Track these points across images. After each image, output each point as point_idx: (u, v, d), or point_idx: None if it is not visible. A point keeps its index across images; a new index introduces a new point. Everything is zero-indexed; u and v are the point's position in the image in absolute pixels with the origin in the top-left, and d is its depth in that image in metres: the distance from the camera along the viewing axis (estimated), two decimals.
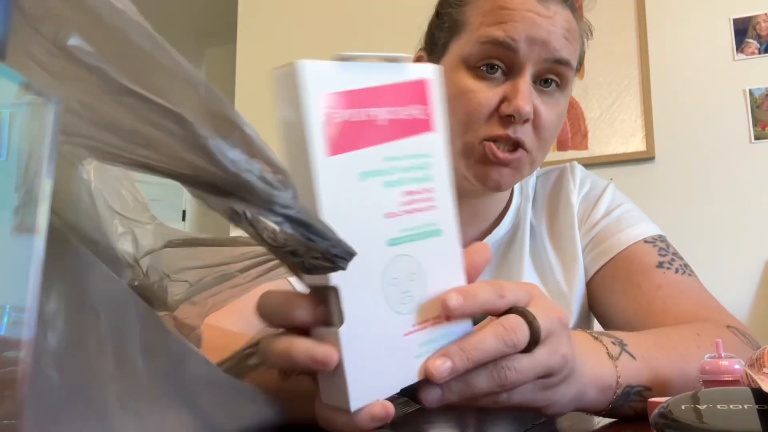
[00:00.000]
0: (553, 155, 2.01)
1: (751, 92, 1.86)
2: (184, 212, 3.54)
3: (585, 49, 0.77)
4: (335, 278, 0.31)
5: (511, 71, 0.67)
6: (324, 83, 0.33)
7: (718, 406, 0.34)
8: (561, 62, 0.68)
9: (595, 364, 0.45)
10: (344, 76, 0.34)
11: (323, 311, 0.33)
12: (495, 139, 0.67)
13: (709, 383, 0.45)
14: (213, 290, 0.42)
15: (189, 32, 3.66)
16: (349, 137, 0.33)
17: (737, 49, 1.89)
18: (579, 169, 0.83)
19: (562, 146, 2.02)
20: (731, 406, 0.34)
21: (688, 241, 1.84)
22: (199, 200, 0.27)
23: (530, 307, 0.38)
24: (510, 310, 0.38)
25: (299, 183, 0.30)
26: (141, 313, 0.30)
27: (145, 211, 0.39)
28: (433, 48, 0.74)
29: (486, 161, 0.68)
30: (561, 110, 0.71)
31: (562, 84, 0.70)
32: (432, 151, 0.36)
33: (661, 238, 0.77)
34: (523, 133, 0.67)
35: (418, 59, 0.77)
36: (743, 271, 1.79)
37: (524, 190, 0.82)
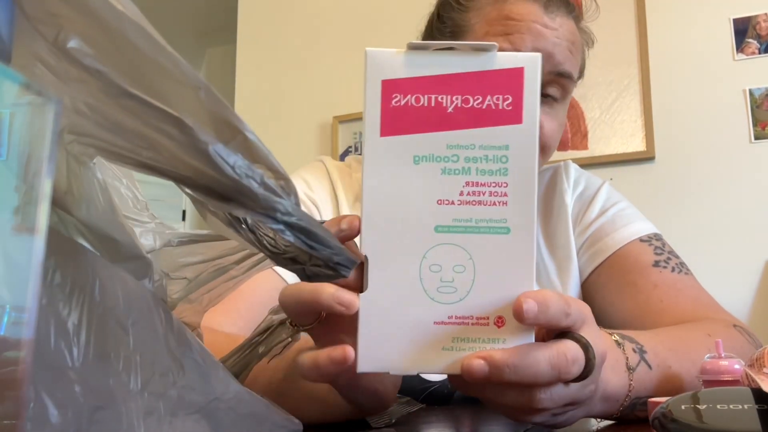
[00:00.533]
0: (553, 155, 2.01)
1: (751, 92, 1.86)
2: (184, 212, 3.54)
3: (586, 57, 0.77)
4: (368, 248, 0.33)
5: None
6: (387, 69, 0.34)
7: (718, 406, 0.34)
8: (563, 75, 0.69)
9: (611, 378, 0.43)
10: (411, 63, 0.34)
11: (357, 277, 0.34)
12: None
13: (709, 383, 0.45)
14: (209, 285, 0.42)
15: (189, 32, 3.66)
16: (406, 121, 0.34)
17: (737, 49, 1.89)
18: (573, 167, 0.83)
19: (562, 146, 2.02)
20: (731, 406, 0.34)
21: (688, 240, 1.84)
22: (198, 205, 0.26)
23: (583, 332, 0.36)
24: (567, 334, 0.36)
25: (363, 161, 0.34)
26: (166, 323, 0.30)
27: (145, 211, 0.39)
28: None
29: None
30: (561, 120, 0.72)
31: (562, 95, 0.71)
32: (513, 144, 0.35)
33: (657, 237, 0.77)
34: None
35: None
36: (743, 271, 1.79)
37: None
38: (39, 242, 0.21)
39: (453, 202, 0.34)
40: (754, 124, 1.84)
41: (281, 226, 0.26)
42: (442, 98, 0.34)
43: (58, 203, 0.27)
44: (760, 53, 1.87)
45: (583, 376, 0.36)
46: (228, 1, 2.83)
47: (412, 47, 0.35)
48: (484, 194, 0.34)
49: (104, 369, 0.26)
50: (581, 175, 0.83)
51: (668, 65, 1.95)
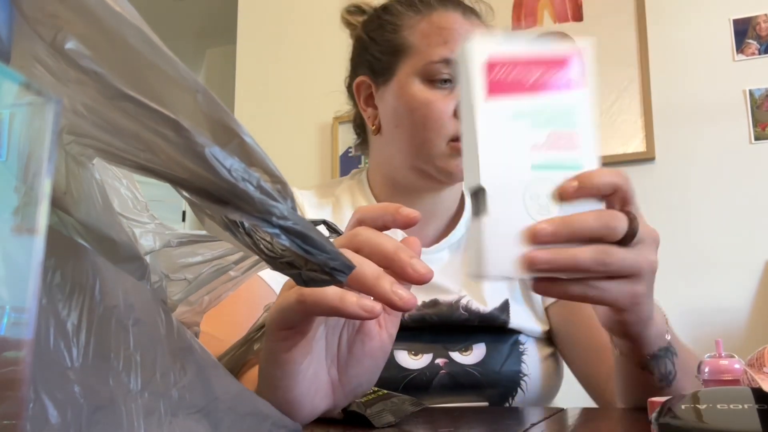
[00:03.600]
0: None
1: (751, 93, 1.86)
2: (184, 213, 3.54)
3: None
4: (485, 182, 0.42)
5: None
6: (487, 47, 0.44)
7: (718, 406, 0.34)
8: None
9: (656, 312, 0.52)
10: (507, 43, 0.44)
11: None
12: (457, 138, 0.76)
13: (709, 383, 0.45)
14: (209, 286, 0.42)
15: (189, 33, 3.66)
16: (504, 87, 0.44)
17: (737, 50, 1.89)
18: None
19: None
20: (731, 406, 0.34)
21: (689, 241, 1.84)
22: (196, 208, 0.26)
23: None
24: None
25: (464, 125, 0.44)
26: (167, 324, 0.30)
27: (145, 211, 0.39)
28: (377, 71, 0.82)
29: (451, 157, 0.77)
30: None
31: None
32: (579, 104, 0.45)
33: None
34: None
35: (359, 85, 0.85)
36: (743, 271, 1.79)
37: None
38: (39, 243, 0.21)
39: (542, 148, 0.44)
40: (754, 125, 1.84)
41: (276, 230, 0.25)
42: (530, 70, 0.44)
43: (56, 203, 0.27)
44: (760, 54, 1.87)
45: (630, 234, 0.43)
46: (228, 2, 2.83)
47: (507, 34, 0.45)
48: (561, 140, 0.44)
49: (104, 369, 0.26)
50: None
51: (668, 66, 1.95)
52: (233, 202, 0.25)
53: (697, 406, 0.35)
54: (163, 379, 0.29)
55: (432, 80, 0.77)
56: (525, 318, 0.79)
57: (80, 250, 0.27)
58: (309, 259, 0.26)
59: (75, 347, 0.25)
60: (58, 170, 0.26)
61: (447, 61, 0.76)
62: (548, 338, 0.82)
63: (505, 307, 0.78)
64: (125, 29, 0.23)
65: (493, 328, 0.77)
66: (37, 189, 0.20)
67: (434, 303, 0.77)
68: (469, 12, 0.81)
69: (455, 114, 0.75)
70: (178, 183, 0.25)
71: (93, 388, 0.25)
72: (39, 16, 0.23)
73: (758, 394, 0.35)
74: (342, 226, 0.81)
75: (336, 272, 0.27)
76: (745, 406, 0.34)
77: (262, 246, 0.26)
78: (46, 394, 0.23)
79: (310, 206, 0.84)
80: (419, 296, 0.78)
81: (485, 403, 0.75)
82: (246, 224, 0.26)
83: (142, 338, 0.28)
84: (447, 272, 0.80)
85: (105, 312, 0.27)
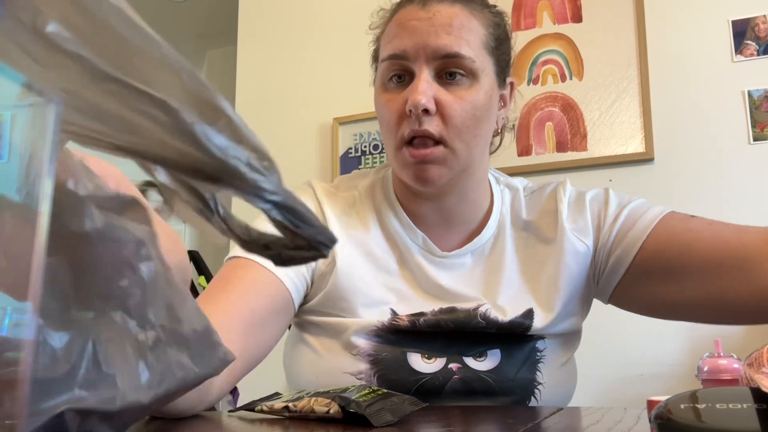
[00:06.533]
0: (552, 156, 2.02)
1: (749, 94, 1.86)
2: None
3: (502, 32, 0.80)
4: None
5: (411, 76, 0.74)
6: None
7: (717, 405, 0.34)
8: (449, 56, 0.73)
9: None
10: None
11: None
12: (410, 141, 0.73)
13: (708, 382, 0.45)
14: None
15: (190, 34, 3.66)
16: None
17: (736, 51, 1.89)
18: (567, 184, 0.85)
19: (561, 147, 2.02)
20: (730, 406, 0.34)
21: None
22: (167, 193, 0.26)
23: None
24: None
25: None
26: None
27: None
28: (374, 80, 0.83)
29: (410, 163, 0.74)
30: (474, 98, 0.74)
31: (468, 74, 0.74)
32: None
33: (674, 212, 0.77)
34: (429, 124, 0.72)
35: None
36: None
37: (507, 202, 0.84)
38: (39, 243, 0.21)
39: None
40: (753, 126, 1.85)
41: (269, 206, 0.26)
42: None
43: None
44: (758, 55, 1.87)
45: None
46: (228, 3, 2.83)
47: None
48: None
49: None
50: (575, 190, 0.84)
51: (667, 67, 1.95)
52: (224, 179, 0.25)
53: (696, 405, 0.35)
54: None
55: (385, 82, 0.77)
56: (549, 321, 0.76)
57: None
58: (298, 233, 0.27)
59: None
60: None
61: (392, 58, 0.74)
62: (571, 339, 0.80)
63: (529, 314, 0.76)
64: (107, 10, 0.23)
65: (510, 335, 0.75)
66: (38, 190, 0.21)
67: (451, 310, 0.76)
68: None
69: (408, 112, 0.72)
70: (162, 162, 0.25)
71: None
72: (18, 0, 0.22)
73: (757, 393, 0.35)
74: (359, 221, 0.81)
75: (321, 246, 0.27)
76: (744, 405, 0.34)
77: (238, 232, 0.27)
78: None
79: (330, 205, 0.82)
80: (437, 304, 0.76)
81: None
82: (221, 210, 0.26)
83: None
84: (468, 279, 0.79)
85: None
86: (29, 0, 0.22)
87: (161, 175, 0.26)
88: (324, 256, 0.28)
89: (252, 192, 0.25)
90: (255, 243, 0.27)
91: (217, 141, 0.24)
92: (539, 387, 0.74)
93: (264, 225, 0.29)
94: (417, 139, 0.73)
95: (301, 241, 0.27)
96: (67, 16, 0.23)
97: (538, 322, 0.75)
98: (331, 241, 0.28)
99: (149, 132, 0.24)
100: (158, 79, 0.24)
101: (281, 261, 0.28)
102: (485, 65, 0.75)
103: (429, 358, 0.73)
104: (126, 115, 0.23)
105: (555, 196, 0.82)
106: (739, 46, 1.89)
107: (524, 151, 2.05)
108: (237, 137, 0.25)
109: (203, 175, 0.24)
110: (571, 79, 2.05)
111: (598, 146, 1.98)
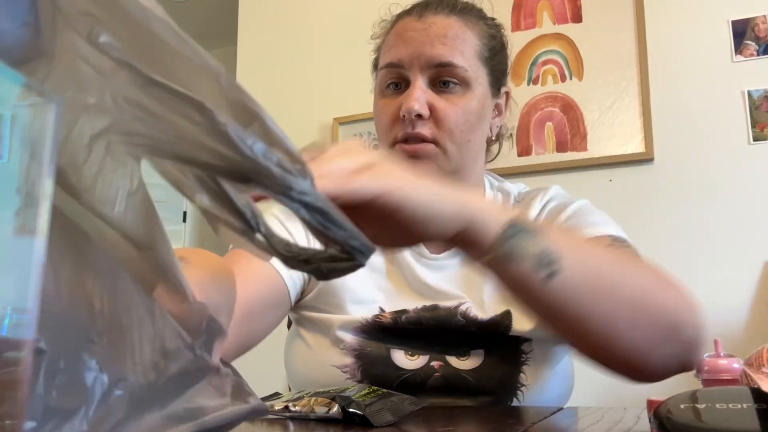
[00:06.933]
0: (552, 156, 2.01)
1: (749, 94, 1.86)
2: (185, 213, 3.54)
3: (497, 43, 0.83)
4: None
5: (407, 84, 0.79)
6: None
7: (717, 405, 0.34)
8: (443, 65, 0.77)
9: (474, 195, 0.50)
10: None
11: None
12: (404, 140, 0.77)
13: (708, 382, 0.45)
14: None
15: (190, 34, 3.65)
16: None
17: (736, 51, 1.89)
18: (554, 189, 0.85)
19: (561, 148, 2.02)
20: (730, 406, 0.34)
21: (688, 242, 1.84)
22: (210, 217, 0.27)
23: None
24: None
25: None
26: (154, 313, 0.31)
27: None
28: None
29: (401, 159, 0.76)
30: (467, 105, 0.78)
31: (461, 82, 0.78)
32: None
33: (623, 240, 0.74)
34: (423, 127, 0.76)
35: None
36: (743, 272, 1.79)
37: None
38: (40, 244, 0.21)
39: None
40: (753, 126, 1.85)
41: (297, 205, 0.26)
42: None
43: (79, 199, 0.27)
44: (758, 55, 1.87)
45: None
46: (228, 3, 2.83)
47: None
48: None
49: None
50: (559, 194, 0.84)
51: (667, 67, 1.95)
52: (255, 179, 0.26)
53: (696, 405, 0.35)
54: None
55: (383, 88, 0.81)
56: (533, 325, 0.76)
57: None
58: (329, 235, 0.27)
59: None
60: (90, 168, 0.26)
61: (389, 66, 0.79)
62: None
63: (507, 314, 0.77)
64: (152, 22, 0.25)
65: (494, 335, 0.76)
66: (39, 190, 0.21)
67: (434, 308, 0.77)
68: (433, 11, 0.80)
69: (402, 117, 0.76)
70: (199, 164, 0.26)
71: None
72: (75, 15, 0.24)
73: (757, 393, 0.35)
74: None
75: (356, 252, 0.27)
76: (744, 405, 0.34)
77: (280, 248, 0.27)
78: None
79: None
80: (422, 301, 0.78)
81: None
82: (263, 229, 0.26)
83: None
84: (455, 279, 0.80)
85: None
86: (85, 15, 0.24)
87: (204, 200, 0.26)
88: (362, 265, 0.28)
89: (281, 191, 0.26)
90: (295, 258, 0.27)
91: (250, 141, 0.25)
92: (522, 389, 0.75)
93: (271, 222, 0.29)
94: (410, 138, 0.77)
95: (334, 247, 0.27)
96: (117, 28, 0.25)
97: (519, 324, 0.76)
98: (367, 248, 0.28)
99: (187, 134, 0.25)
100: (196, 83, 0.25)
101: (322, 274, 0.28)
102: (478, 74, 0.79)
103: (412, 355, 0.75)
104: (167, 117, 0.24)
105: (531, 202, 0.84)
106: (739, 46, 1.89)
107: (524, 151, 2.05)
108: (270, 140, 0.26)
109: (236, 176, 0.25)
110: (571, 79, 2.04)
111: (598, 146, 1.98)
